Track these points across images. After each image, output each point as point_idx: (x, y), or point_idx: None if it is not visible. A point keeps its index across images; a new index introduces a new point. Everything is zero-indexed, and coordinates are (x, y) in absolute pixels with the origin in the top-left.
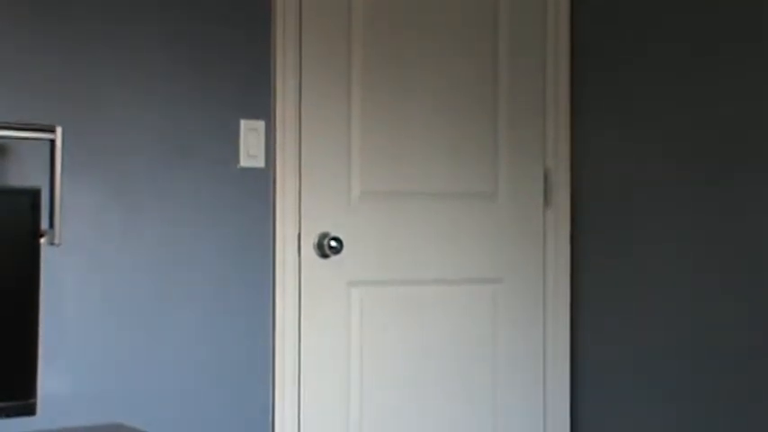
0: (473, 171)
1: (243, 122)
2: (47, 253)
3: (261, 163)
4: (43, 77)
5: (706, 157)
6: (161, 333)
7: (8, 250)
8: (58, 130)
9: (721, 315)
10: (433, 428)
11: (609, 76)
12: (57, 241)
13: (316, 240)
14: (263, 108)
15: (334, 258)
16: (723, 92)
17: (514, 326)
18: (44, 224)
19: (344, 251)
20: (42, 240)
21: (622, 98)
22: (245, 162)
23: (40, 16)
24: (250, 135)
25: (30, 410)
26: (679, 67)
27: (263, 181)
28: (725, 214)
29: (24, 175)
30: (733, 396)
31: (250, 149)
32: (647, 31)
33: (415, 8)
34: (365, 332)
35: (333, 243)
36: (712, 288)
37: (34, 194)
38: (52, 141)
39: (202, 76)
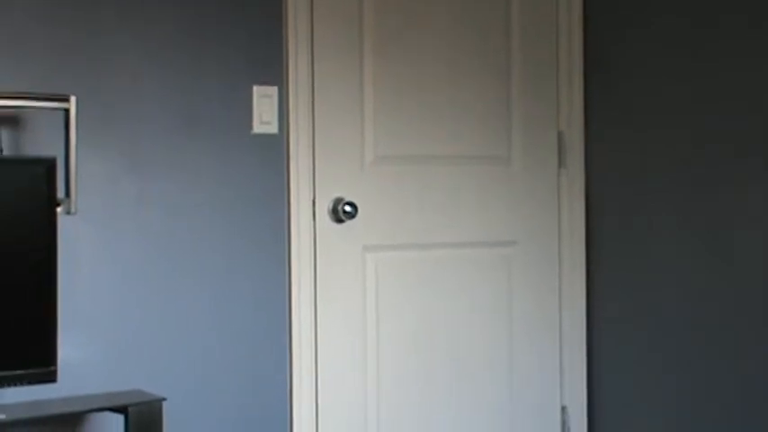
0: (486, 134)
1: (255, 89)
2: (63, 222)
3: (274, 129)
4: (57, 47)
5: (724, 118)
6: (177, 300)
7: (25, 220)
8: (72, 99)
9: (736, 272)
10: (449, 392)
11: (623, 36)
12: (73, 210)
13: (330, 206)
14: (275, 74)
15: (348, 223)
16: (736, 62)
17: (530, 288)
18: (60, 194)
19: (359, 216)
20: (59, 209)
21: (637, 58)
22: (258, 128)
23: None
24: (263, 101)
25: (50, 378)
26: (696, 32)
27: (276, 147)
28: (740, 181)
29: (39, 145)
30: (749, 351)
31: (263, 116)
32: None
33: None
34: (381, 296)
35: (347, 208)
36: (727, 250)
37: (50, 164)
38: (66, 111)
39: (215, 44)
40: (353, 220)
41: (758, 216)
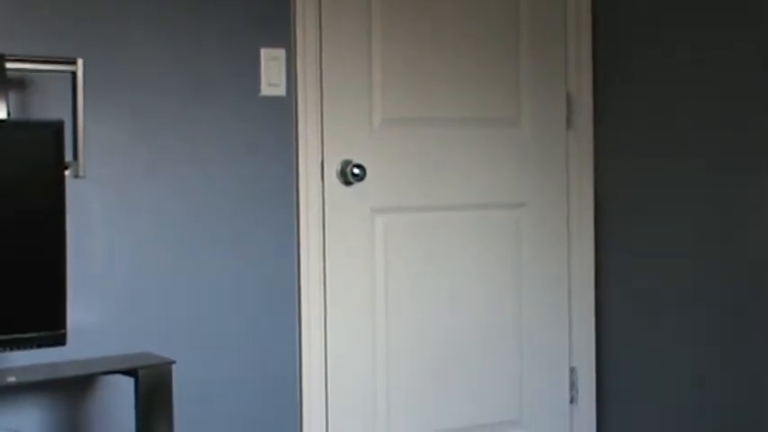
0: (495, 96)
1: (263, 51)
2: (71, 185)
3: (282, 91)
4: (64, 10)
5: (739, 80)
6: (187, 262)
7: (34, 183)
8: (80, 62)
9: (748, 231)
10: (458, 354)
11: None
12: (81, 173)
13: (339, 168)
14: (283, 36)
15: (357, 185)
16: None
17: (538, 250)
18: (68, 157)
19: (367, 178)
20: (67, 173)
21: (647, 18)
22: (266, 91)
23: None
24: (271, 64)
25: (60, 341)
26: None
27: (284, 109)
28: (756, 141)
29: (47, 108)
30: (753, 303)
31: (271, 78)
32: None
33: None
34: (389, 259)
35: (356, 170)
36: (738, 213)
37: (57, 127)
38: (74, 74)
39: (222, 6)
40: (362, 183)
41: None
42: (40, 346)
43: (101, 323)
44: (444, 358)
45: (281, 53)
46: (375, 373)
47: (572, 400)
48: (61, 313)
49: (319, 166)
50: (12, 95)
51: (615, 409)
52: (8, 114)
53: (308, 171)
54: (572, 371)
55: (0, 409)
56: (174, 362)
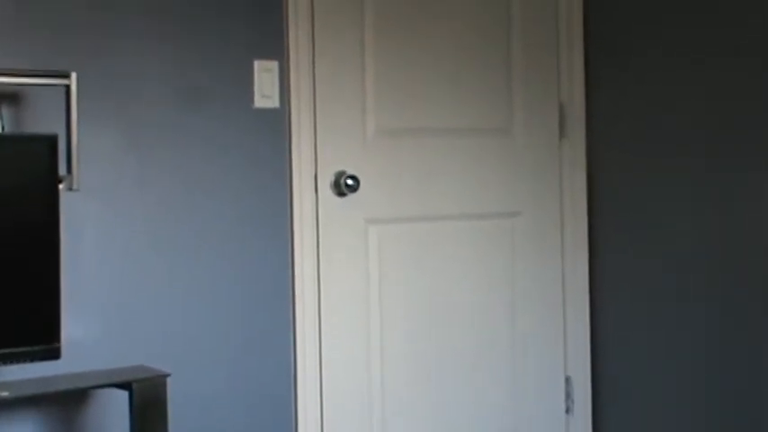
0: (488, 106)
1: (256, 63)
2: (65, 199)
3: (275, 103)
4: (57, 24)
5: (731, 88)
6: (180, 275)
7: (27, 196)
8: (73, 75)
9: (738, 235)
10: (453, 363)
11: (624, 6)
12: (75, 187)
13: (332, 179)
14: (276, 48)
15: (351, 197)
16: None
17: (533, 259)
18: (61, 170)
19: (361, 189)
20: (61, 186)
21: (639, 28)
22: (259, 103)
23: None
24: (264, 75)
25: (54, 354)
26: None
27: (277, 121)
28: (756, 141)
29: (40, 122)
30: (753, 313)
31: (264, 90)
32: None
33: None
34: (384, 269)
35: (349, 181)
36: (734, 217)
37: (51, 141)
38: (67, 87)
39: (215, 17)
40: (355, 194)
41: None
42: (33, 360)
43: (95, 337)
44: (439, 368)
45: (274, 65)
46: (370, 385)
47: (567, 411)
48: (55, 327)
49: (313, 178)
50: (5, 109)
51: (611, 419)
52: (2, 128)
53: (301, 182)
54: (567, 381)
55: None
56: (168, 374)
